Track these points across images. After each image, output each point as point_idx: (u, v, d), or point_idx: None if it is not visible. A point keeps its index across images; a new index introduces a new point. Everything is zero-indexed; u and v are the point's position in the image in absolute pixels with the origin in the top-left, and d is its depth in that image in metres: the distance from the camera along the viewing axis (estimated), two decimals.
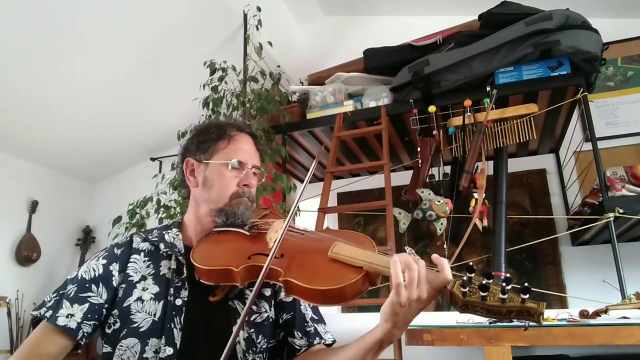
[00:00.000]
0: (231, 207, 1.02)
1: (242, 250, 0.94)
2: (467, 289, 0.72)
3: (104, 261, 0.98)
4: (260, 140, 1.16)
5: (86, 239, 3.59)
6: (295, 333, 1.01)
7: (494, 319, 0.71)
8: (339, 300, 0.80)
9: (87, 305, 0.92)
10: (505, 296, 0.69)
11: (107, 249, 1.02)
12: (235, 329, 0.76)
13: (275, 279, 0.85)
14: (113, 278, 0.96)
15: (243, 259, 0.90)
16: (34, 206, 3.25)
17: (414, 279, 0.74)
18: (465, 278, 0.72)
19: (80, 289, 0.94)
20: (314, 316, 1.06)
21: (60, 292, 0.95)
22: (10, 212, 3.13)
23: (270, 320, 1.01)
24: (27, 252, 3.13)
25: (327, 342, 1.03)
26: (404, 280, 0.74)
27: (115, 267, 0.97)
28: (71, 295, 0.93)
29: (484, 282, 0.70)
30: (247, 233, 1.00)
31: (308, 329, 1.02)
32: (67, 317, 0.90)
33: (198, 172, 1.06)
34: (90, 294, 0.93)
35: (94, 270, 0.97)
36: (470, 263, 0.73)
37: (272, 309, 1.03)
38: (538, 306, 0.68)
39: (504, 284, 0.70)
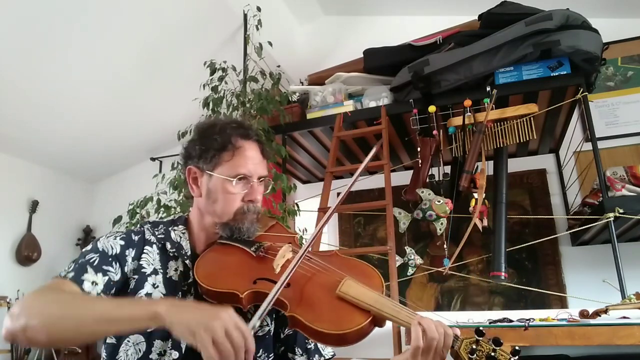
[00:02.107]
0: (236, 222, 0.98)
1: (248, 272, 0.92)
2: (475, 355, 0.73)
3: (122, 242, 0.94)
4: (271, 146, 1.11)
5: (86, 238, 3.59)
6: (296, 349, 1.01)
7: None
8: (342, 343, 0.79)
9: (107, 278, 0.88)
10: None
11: (124, 232, 0.98)
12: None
13: (283, 309, 0.84)
14: (127, 263, 0.93)
15: (248, 283, 0.88)
16: (34, 206, 3.26)
17: (432, 348, 0.76)
18: (474, 345, 0.74)
19: (103, 261, 0.89)
20: None
21: (80, 261, 0.89)
22: (11, 212, 3.13)
23: (271, 333, 1.00)
24: (27, 252, 3.13)
25: (326, 358, 1.03)
26: (422, 344, 0.75)
27: (130, 253, 0.94)
28: (95, 264, 0.88)
29: (492, 353, 0.71)
30: (254, 254, 0.97)
31: (309, 346, 1.02)
32: (92, 283, 0.85)
33: (201, 182, 1.01)
34: (110, 268, 0.89)
35: (112, 248, 0.92)
36: (481, 328, 0.74)
37: (273, 322, 1.02)
38: None
39: (510, 357, 0.70)
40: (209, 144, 0.99)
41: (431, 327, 0.76)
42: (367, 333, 0.80)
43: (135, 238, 0.97)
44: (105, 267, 0.89)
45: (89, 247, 0.94)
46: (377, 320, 0.81)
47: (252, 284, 0.88)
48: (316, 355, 1.02)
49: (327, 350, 1.04)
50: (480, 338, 0.73)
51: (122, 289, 0.92)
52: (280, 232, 1.09)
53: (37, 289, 0.82)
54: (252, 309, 0.92)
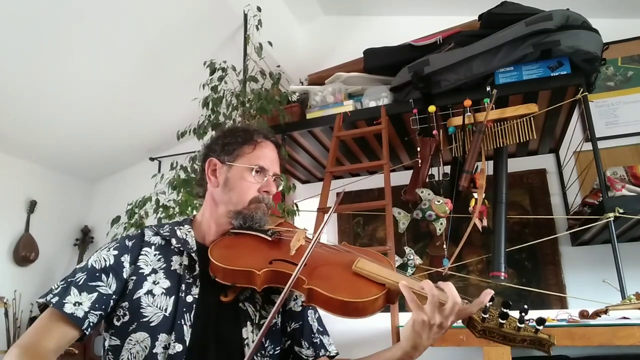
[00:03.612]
0: (249, 211, 1.04)
1: (263, 254, 0.95)
2: (487, 315, 0.77)
3: (115, 252, 0.98)
4: (283, 154, 1.18)
5: (84, 239, 3.58)
6: (303, 343, 1.02)
7: (507, 345, 0.79)
8: (359, 314, 0.82)
9: (95, 294, 0.91)
10: (522, 325, 0.76)
11: (118, 240, 1.02)
12: (259, 334, 0.78)
13: (298, 287, 0.86)
14: (124, 269, 0.96)
15: (264, 262, 0.91)
16: (32, 206, 3.24)
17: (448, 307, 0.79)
18: (487, 305, 0.77)
19: (89, 278, 0.93)
20: (319, 328, 1.07)
21: (69, 279, 0.93)
22: (9, 212, 3.12)
23: (278, 326, 1.02)
24: (25, 252, 3.12)
25: (331, 354, 1.05)
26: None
27: (126, 259, 0.97)
28: (80, 283, 0.91)
29: (504, 310, 0.76)
30: (269, 238, 1.01)
31: (315, 340, 1.04)
32: (74, 304, 0.88)
33: (220, 172, 1.07)
34: (99, 283, 0.92)
35: (105, 260, 0.96)
36: (493, 293, 0.78)
37: (280, 316, 1.04)
38: (549, 337, 0.75)
39: (522, 314, 0.75)
40: (232, 139, 1.09)
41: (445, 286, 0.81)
42: (381, 306, 0.84)
43: (130, 243, 1.01)
44: (92, 284, 0.92)
45: (82, 264, 0.98)
46: (391, 294, 0.85)
47: (269, 264, 0.91)
48: (322, 350, 1.03)
49: (332, 348, 1.06)
50: (490, 303, 0.77)
51: (122, 294, 0.94)
52: (288, 227, 1.13)
53: (19, 352, 0.82)
54: (264, 293, 0.95)
